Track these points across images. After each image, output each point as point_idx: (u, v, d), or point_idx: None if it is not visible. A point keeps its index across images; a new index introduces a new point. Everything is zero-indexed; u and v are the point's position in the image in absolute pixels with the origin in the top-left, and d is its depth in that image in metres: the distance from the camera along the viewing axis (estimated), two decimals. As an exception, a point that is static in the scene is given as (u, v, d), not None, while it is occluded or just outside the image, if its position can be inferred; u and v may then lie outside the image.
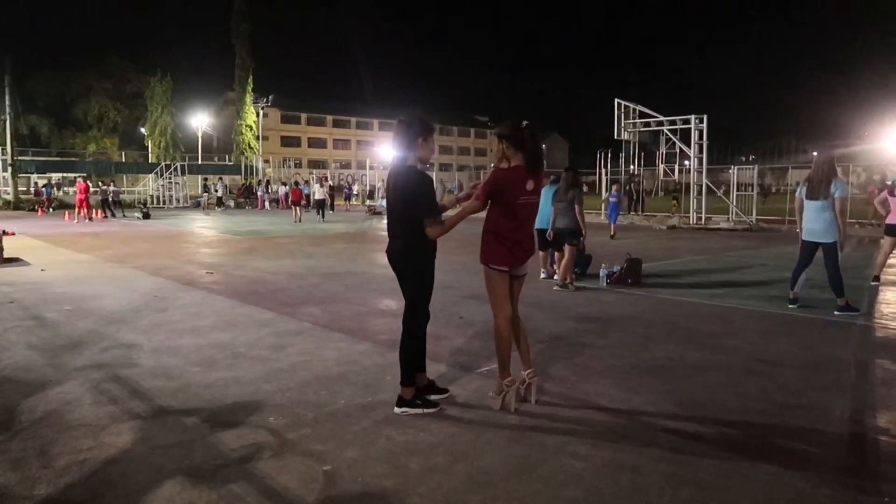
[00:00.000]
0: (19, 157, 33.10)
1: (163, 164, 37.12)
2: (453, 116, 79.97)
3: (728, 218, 19.99)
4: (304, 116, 71.26)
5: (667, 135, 22.10)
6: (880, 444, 3.31)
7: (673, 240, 15.52)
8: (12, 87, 30.87)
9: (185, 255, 11.90)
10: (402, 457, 3.09)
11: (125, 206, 27.09)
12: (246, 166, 43.27)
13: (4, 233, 12.61)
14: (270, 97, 63.79)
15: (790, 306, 6.69)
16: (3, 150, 32.90)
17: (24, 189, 35.01)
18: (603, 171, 25.14)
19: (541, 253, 8.53)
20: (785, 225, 18.56)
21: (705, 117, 20.33)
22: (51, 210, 28.44)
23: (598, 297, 7.45)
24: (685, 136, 21.14)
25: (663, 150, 23.26)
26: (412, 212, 3.53)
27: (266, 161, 47.68)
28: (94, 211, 23.25)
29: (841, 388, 4.18)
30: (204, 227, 20.25)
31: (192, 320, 6.10)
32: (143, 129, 48.68)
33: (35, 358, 4.80)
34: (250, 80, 44.55)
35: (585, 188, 19.74)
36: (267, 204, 33.67)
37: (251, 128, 45.52)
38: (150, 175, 38.00)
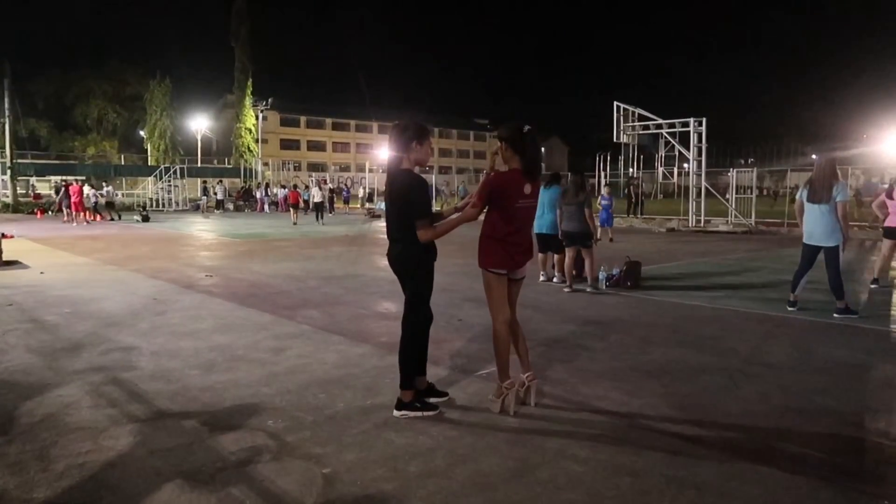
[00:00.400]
0: (18, 160, 33.07)
1: (162, 166, 37.18)
2: (452, 119, 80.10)
3: (727, 221, 20.00)
4: (303, 119, 71.32)
5: (666, 138, 22.11)
6: (880, 447, 3.30)
7: (672, 243, 15.53)
8: (11, 89, 30.85)
9: (184, 257, 11.90)
10: (401, 460, 3.09)
11: (124, 210, 27.05)
12: (245, 169, 43.34)
13: (3, 235, 12.60)
14: (270, 100, 63.96)
15: (790, 309, 6.69)
16: (2, 153, 32.90)
17: (24, 192, 34.96)
18: (602, 174, 25.17)
19: (540, 256, 8.54)
20: (784, 227, 18.58)
21: (704, 120, 20.34)
22: (51, 213, 28.42)
23: (597, 300, 7.46)
24: (684, 139, 21.16)
25: (662, 153, 23.28)
26: (406, 214, 3.55)
27: (265, 164, 47.73)
28: (88, 214, 23.23)
29: (841, 390, 4.18)
30: (203, 229, 20.25)
31: (191, 323, 6.09)
32: (142, 132, 48.76)
33: (34, 361, 4.80)
34: (249, 82, 44.69)
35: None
36: (266, 207, 33.72)
37: (250, 130, 45.62)
38: (149, 178, 38.02)
